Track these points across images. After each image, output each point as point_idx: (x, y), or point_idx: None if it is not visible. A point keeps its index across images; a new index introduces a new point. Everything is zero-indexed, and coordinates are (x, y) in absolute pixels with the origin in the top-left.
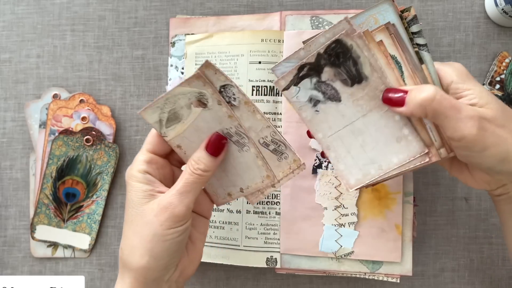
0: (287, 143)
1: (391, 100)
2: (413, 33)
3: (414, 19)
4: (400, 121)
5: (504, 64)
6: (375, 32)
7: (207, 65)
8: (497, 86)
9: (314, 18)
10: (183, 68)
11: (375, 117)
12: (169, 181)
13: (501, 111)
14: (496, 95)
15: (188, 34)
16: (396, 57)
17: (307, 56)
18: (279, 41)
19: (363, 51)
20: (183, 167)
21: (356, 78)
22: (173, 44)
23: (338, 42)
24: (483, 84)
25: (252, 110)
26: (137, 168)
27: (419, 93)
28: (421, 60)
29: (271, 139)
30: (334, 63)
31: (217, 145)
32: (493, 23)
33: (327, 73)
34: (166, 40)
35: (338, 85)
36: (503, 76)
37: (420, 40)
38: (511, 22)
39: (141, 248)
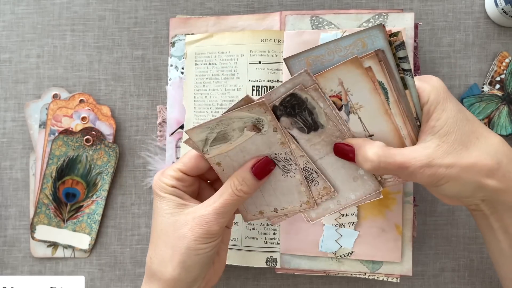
0: (319, 172)
1: (343, 155)
2: (399, 58)
3: (401, 45)
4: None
5: (504, 64)
6: (364, 58)
7: (261, 104)
8: (497, 86)
9: (314, 18)
10: (183, 68)
11: (332, 159)
12: (196, 194)
13: (457, 144)
14: (496, 95)
15: (188, 34)
16: (383, 83)
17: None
18: (279, 41)
19: (318, 103)
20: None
21: (312, 126)
22: (173, 44)
23: (293, 96)
24: (483, 85)
25: (287, 140)
26: (167, 182)
27: (364, 161)
28: (405, 86)
29: (304, 167)
30: (290, 114)
31: (264, 169)
32: (493, 23)
33: (284, 121)
34: (166, 40)
35: (295, 132)
36: (503, 76)
37: (405, 66)
38: (511, 22)
39: (174, 260)
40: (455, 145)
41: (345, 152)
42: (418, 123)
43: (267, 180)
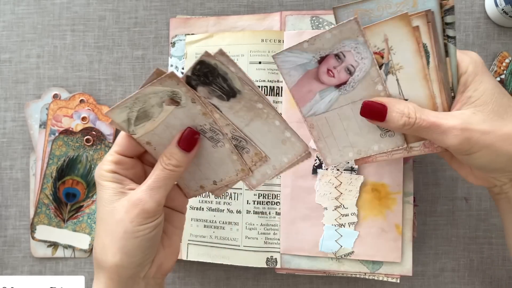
0: (248, 138)
1: (372, 114)
2: (446, 23)
3: (451, 10)
4: (281, 125)
5: (504, 64)
6: (413, 17)
7: (171, 75)
8: None
9: (314, 18)
10: (183, 68)
11: (257, 124)
12: (141, 180)
13: (494, 114)
14: None
15: (188, 34)
16: (427, 46)
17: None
18: (279, 41)
19: (228, 67)
20: None
21: (230, 93)
22: (173, 44)
23: (201, 63)
24: None
25: (210, 110)
26: (105, 168)
27: (399, 117)
28: (447, 53)
29: (231, 136)
30: (205, 82)
31: (190, 140)
32: (493, 23)
33: (201, 91)
34: (166, 40)
35: (215, 101)
36: (503, 76)
37: (450, 32)
38: (511, 22)
39: (113, 246)
40: (492, 115)
41: (376, 110)
42: (453, 94)
43: (200, 154)
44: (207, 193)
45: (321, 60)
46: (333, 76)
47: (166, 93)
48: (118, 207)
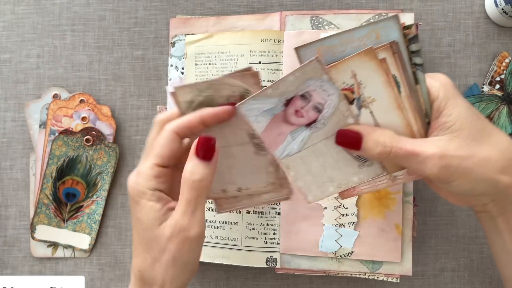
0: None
1: (347, 143)
2: (412, 52)
3: (415, 38)
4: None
5: (504, 64)
6: (379, 50)
7: (255, 74)
8: (497, 86)
9: (314, 18)
10: (183, 68)
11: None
12: (176, 190)
13: (470, 139)
14: (496, 95)
15: (188, 34)
16: (396, 77)
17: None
18: (279, 41)
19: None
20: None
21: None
22: (173, 44)
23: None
24: (483, 85)
25: None
26: (147, 185)
27: (374, 146)
28: (416, 81)
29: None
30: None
31: (206, 147)
32: (493, 23)
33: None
34: (166, 40)
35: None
36: (503, 76)
37: (417, 60)
38: (511, 22)
39: (165, 274)
40: (468, 140)
41: (351, 139)
42: (427, 120)
43: (239, 156)
44: (210, 201)
45: (287, 102)
46: (302, 116)
47: (241, 89)
48: (161, 235)
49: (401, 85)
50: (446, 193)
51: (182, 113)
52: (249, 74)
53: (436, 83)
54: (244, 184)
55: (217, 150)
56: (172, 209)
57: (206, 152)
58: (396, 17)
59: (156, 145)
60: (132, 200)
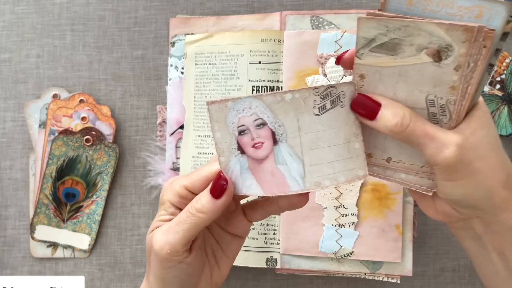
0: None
1: (362, 109)
2: (497, 49)
3: (506, 35)
4: None
5: (504, 64)
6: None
7: (478, 29)
8: (497, 86)
9: (314, 18)
10: (183, 68)
11: None
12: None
13: (487, 142)
14: (496, 95)
15: (188, 34)
16: (470, 66)
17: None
18: (279, 41)
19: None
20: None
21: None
22: (173, 44)
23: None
24: None
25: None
26: (168, 197)
27: (391, 116)
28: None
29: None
30: (240, 133)
31: (216, 185)
32: None
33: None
34: (166, 40)
35: None
36: (503, 76)
37: (493, 60)
38: None
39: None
40: (488, 145)
41: (369, 106)
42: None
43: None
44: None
45: (241, 151)
46: (262, 143)
47: (440, 42)
48: (153, 238)
49: (472, 80)
50: (426, 204)
51: (357, 51)
52: (461, 27)
53: (481, 99)
54: (396, 155)
55: (228, 193)
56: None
57: (214, 189)
58: (509, 6)
59: (202, 170)
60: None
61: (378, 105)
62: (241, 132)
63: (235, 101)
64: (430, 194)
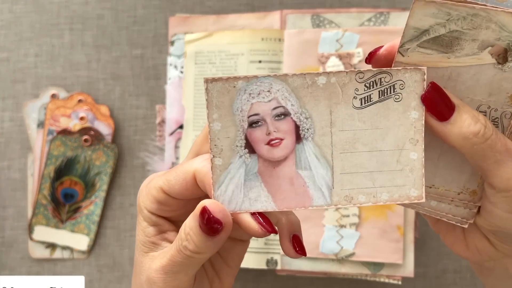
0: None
1: (435, 100)
2: None
3: None
4: None
5: None
6: None
7: None
8: None
9: (315, 16)
10: (182, 67)
11: None
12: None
13: None
14: None
15: (188, 33)
16: None
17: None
18: (279, 40)
19: None
20: None
21: None
22: (173, 43)
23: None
24: None
25: None
26: (145, 205)
27: (472, 121)
28: None
29: None
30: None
31: (207, 226)
32: None
33: None
34: (166, 39)
35: None
36: None
37: None
38: None
39: None
40: None
41: (444, 101)
42: None
43: (443, 143)
44: None
45: (249, 150)
46: (279, 140)
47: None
48: (143, 265)
49: None
50: (455, 238)
51: (401, 45)
52: None
53: None
54: (429, 178)
55: (226, 230)
56: (168, 241)
57: (210, 229)
58: None
59: (174, 169)
60: (138, 209)
61: (452, 104)
62: (252, 124)
63: (248, 80)
64: (466, 226)
